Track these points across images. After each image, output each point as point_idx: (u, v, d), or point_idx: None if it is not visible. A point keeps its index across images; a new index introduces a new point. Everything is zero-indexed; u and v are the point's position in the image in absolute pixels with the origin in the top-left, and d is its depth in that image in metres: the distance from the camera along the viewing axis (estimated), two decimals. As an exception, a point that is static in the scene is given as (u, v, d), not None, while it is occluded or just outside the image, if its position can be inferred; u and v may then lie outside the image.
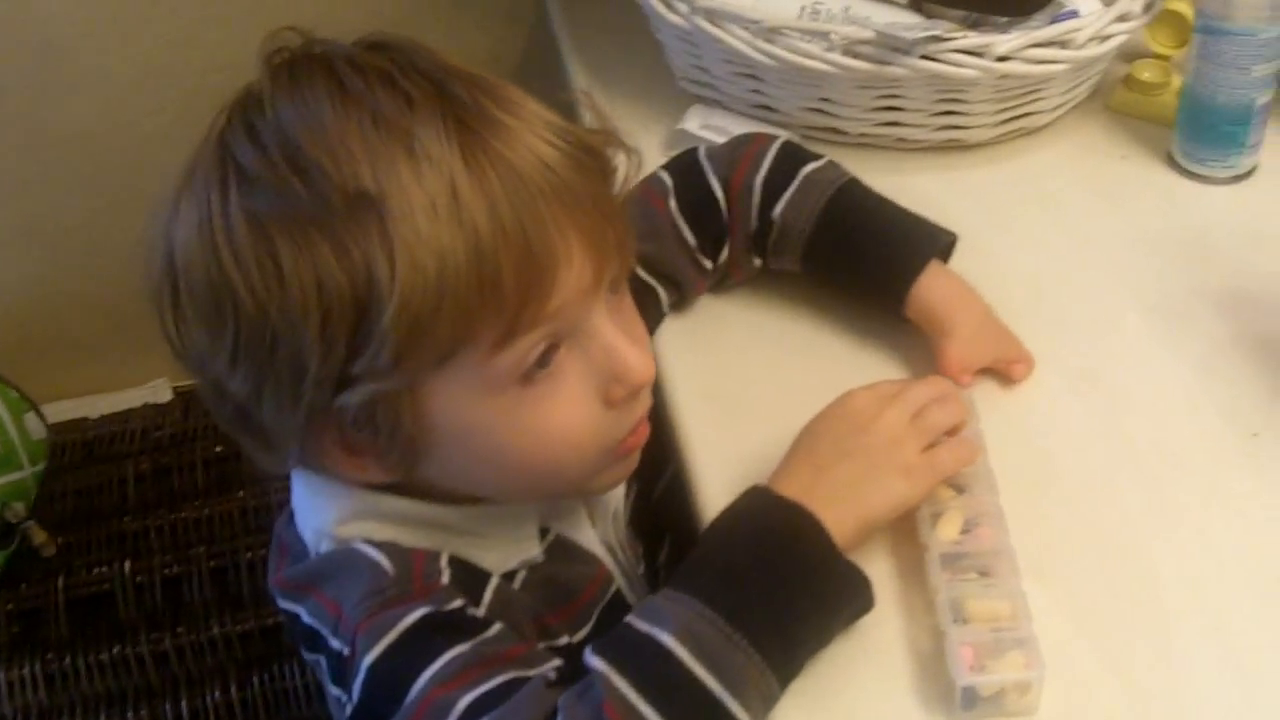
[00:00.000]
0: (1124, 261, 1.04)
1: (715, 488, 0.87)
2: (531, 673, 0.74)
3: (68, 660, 1.27)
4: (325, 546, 0.80)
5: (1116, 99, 1.20)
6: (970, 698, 0.75)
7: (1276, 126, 1.14)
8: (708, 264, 1.00)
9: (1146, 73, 1.18)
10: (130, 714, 1.23)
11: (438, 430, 0.75)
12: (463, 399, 0.73)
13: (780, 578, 0.73)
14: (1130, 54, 1.22)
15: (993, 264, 1.04)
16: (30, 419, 1.45)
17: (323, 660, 0.78)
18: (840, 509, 0.76)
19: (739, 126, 1.13)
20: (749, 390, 0.96)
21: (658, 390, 0.96)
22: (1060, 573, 0.82)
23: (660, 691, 0.69)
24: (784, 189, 0.97)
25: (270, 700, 1.25)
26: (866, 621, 0.79)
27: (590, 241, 0.73)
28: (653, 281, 0.98)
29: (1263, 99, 1.07)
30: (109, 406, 1.57)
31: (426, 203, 0.68)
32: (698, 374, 0.97)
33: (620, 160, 0.78)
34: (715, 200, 0.98)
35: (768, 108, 1.15)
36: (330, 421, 0.73)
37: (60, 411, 1.55)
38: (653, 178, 1.00)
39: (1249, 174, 1.11)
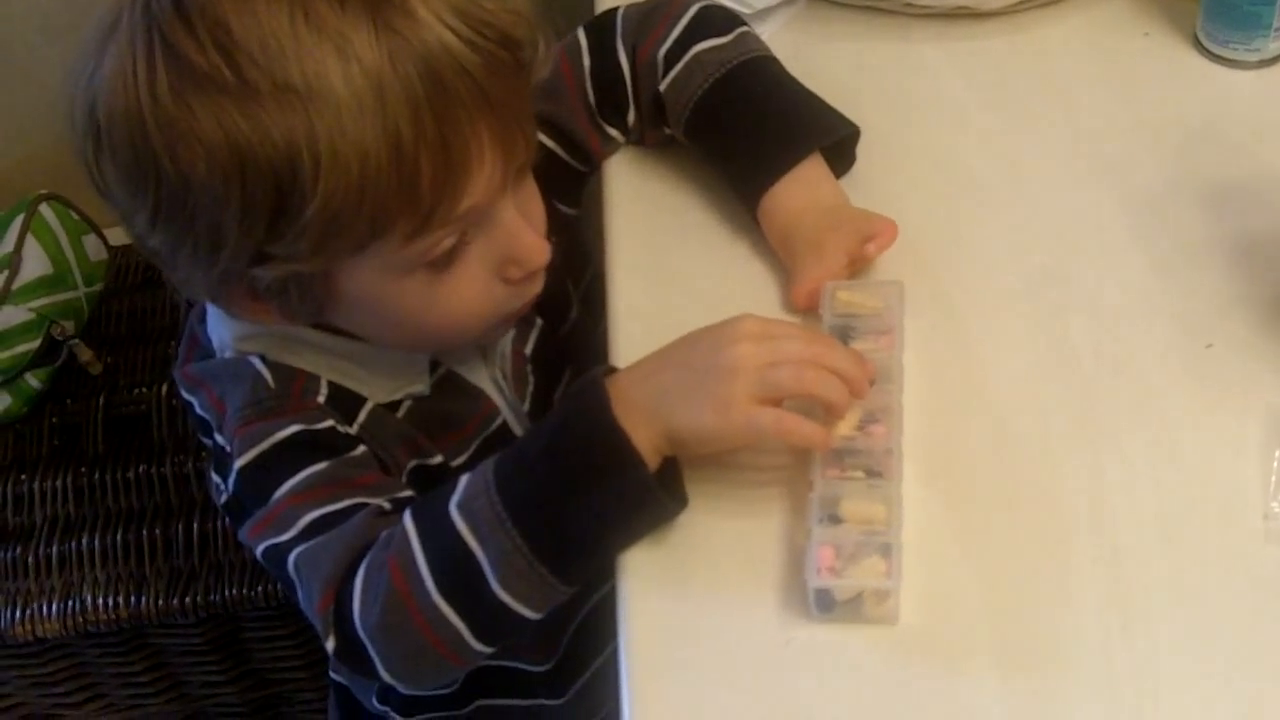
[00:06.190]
0: (1118, 148, 0.98)
1: (631, 349, 0.85)
2: (374, 501, 0.81)
3: (97, 475, 1.32)
4: (227, 355, 0.87)
5: (1152, -29, 1.10)
6: (825, 601, 0.74)
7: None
8: (612, 131, 0.98)
9: (1186, -56, 1.08)
10: (145, 531, 1.28)
11: (346, 299, 0.80)
12: (372, 279, 0.78)
13: (560, 472, 0.75)
14: (1171, -75, 1.12)
15: (976, 145, 1.00)
16: (90, 241, 1.44)
17: (211, 447, 0.86)
18: (653, 415, 0.75)
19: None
20: (688, 267, 0.93)
21: (600, 250, 0.96)
22: (957, 480, 0.80)
23: (435, 552, 0.75)
24: (674, 64, 0.93)
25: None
26: (746, 514, 0.79)
27: (501, 143, 0.76)
28: (552, 144, 0.96)
29: (1289, -22, 0.97)
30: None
31: (354, 103, 0.70)
32: (639, 246, 0.95)
33: (537, 43, 0.78)
34: (620, 70, 0.96)
35: (775, -35, 1.09)
36: (241, 281, 0.77)
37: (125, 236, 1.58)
38: (570, 38, 0.97)
39: (1277, 59, 1.02)
